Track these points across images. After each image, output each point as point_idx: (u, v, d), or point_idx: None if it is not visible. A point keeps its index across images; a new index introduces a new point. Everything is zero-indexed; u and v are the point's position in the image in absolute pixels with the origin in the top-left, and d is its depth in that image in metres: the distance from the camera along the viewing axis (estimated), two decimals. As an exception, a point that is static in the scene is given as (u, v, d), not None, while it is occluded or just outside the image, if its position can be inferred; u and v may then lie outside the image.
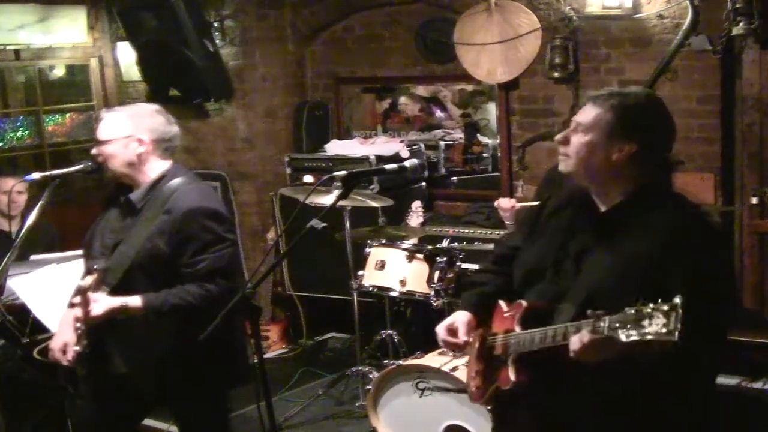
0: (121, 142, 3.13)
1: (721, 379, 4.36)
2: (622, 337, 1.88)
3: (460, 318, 2.57)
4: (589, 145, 2.30)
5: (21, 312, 3.95)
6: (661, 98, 2.43)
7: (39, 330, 3.90)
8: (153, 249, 3.02)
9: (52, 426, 4.44)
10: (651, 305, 1.87)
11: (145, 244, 3.03)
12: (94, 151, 3.20)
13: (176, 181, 3.14)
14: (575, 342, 2.06)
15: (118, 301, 2.98)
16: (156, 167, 3.17)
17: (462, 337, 2.52)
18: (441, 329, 2.58)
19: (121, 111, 3.26)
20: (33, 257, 4.29)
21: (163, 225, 3.03)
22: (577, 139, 2.32)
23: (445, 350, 3.67)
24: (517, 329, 2.35)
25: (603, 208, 2.35)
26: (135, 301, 2.99)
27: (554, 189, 3.89)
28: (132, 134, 3.13)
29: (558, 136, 2.39)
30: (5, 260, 3.36)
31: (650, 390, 2.21)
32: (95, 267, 3.03)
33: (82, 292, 2.96)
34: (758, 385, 4.26)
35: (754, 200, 4.88)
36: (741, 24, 4.59)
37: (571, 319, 2.20)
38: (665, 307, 1.85)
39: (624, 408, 2.24)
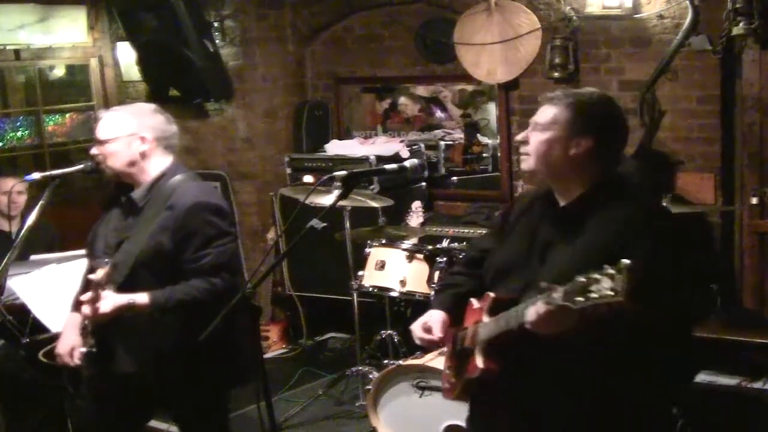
0: (124, 141, 3.14)
1: (721, 379, 4.37)
2: (573, 304, 1.98)
3: (434, 316, 2.64)
4: (548, 142, 2.41)
5: (21, 312, 3.95)
6: (613, 98, 2.58)
7: (39, 330, 3.90)
8: (157, 246, 3.03)
9: (52, 426, 4.44)
10: (599, 271, 1.96)
11: (148, 242, 3.04)
12: (94, 150, 3.20)
13: (177, 178, 3.15)
14: (531, 314, 2.15)
15: (125, 298, 2.98)
16: (157, 165, 3.18)
17: (437, 333, 2.59)
18: (416, 327, 2.64)
19: (122, 110, 3.27)
20: (33, 257, 4.29)
21: (165, 221, 3.04)
22: (536, 138, 2.43)
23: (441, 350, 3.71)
24: (485, 319, 2.43)
25: (563, 203, 2.46)
26: (141, 297, 2.99)
27: None
28: (134, 132, 3.14)
29: (518, 137, 2.51)
30: (5, 260, 3.36)
31: (615, 376, 2.30)
32: (106, 261, 3.03)
33: (94, 286, 2.96)
34: (758, 385, 4.26)
35: (754, 200, 4.89)
36: (741, 24, 4.60)
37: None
38: (611, 271, 1.94)
39: (590, 393, 2.32)
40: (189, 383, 3.10)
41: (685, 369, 2.54)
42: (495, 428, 2.57)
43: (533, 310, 2.14)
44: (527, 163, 2.47)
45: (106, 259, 3.05)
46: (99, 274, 2.97)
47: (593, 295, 1.95)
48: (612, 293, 1.92)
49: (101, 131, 3.19)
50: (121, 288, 3.02)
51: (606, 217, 2.33)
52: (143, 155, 3.15)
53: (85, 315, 3.03)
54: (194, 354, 2.93)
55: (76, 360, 3.11)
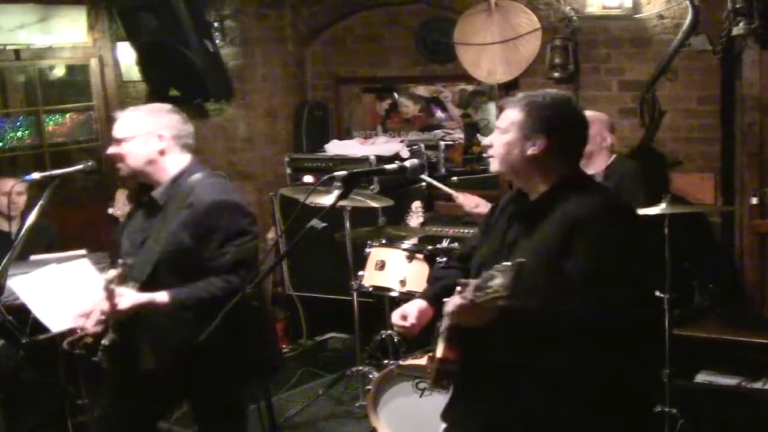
0: (142, 139, 3.15)
1: (721, 379, 4.38)
2: (475, 299, 2.12)
3: (414, 304, 2.71)
4: (507, 144, 2.51)
5: (21, 312, 3.95)
6: (571, 97, 2.68)
7: (39, 330, 3.90)
8: (178, 243, 3.06)
9: (52, 426, 4.44)
10: (496, 267, 2.09)
11: (170, 240, 3.07)
12: (111, 150, 3.21)
13: (196, 176, 3.18)
14: (449, 307, 2.32)
15: (145, 296, 3.01)
16: (175, 164, 3.20)
17: (410, 320, 2.66)
18: (395, 315, 2.71)
19: (138, 109, 3.28)
20: (33, 257, 4.29)
21: (186, 219, 3.07)
22: (498, 140, 2.53)
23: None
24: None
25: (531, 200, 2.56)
26: (161, 296, 3.02)
27: None
28: (152, 130, 3.16)
29: (484, 141, 2.67)
30: (5, 260, 3.36)
31: (560, 372, 2.36)
32: (120, 261, 3.07)
33: (107, 285, 2.98)
34: (758, 385, 4.27)
35: (754, 200, 4.89)
36: (741, 24, 4.60)
37: None
38: (501, 268, 2.08)
39: (540, 387, 2.39)
40: (210, 377, 3.11)
41: (645, 366, 2.57)
42: (461, 422, 2.63)
43: (450, 304, 2.29)
44: (493, 165, 2.59)
45: (121, 260, 3.09)
46: (111, 273, 3.00)
47: (489, 290, 2.08)
48: (500, 291, 2.04)
49: (118, 130, 3.20)
50: (144, 285, 3.05)
51: (561, 213, 2.41)
52: (161, 153, 3.17)
53: (103, 311, 3.05)
54: (217, 348, 2.92)
55: (90, 324, 3.11)
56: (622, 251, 2.35)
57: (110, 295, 2.97)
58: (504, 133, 2.52)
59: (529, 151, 2.48)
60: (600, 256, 2.32)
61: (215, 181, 3.21)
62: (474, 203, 4.60)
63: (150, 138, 3.15)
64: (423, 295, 2.76)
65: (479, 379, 2.49)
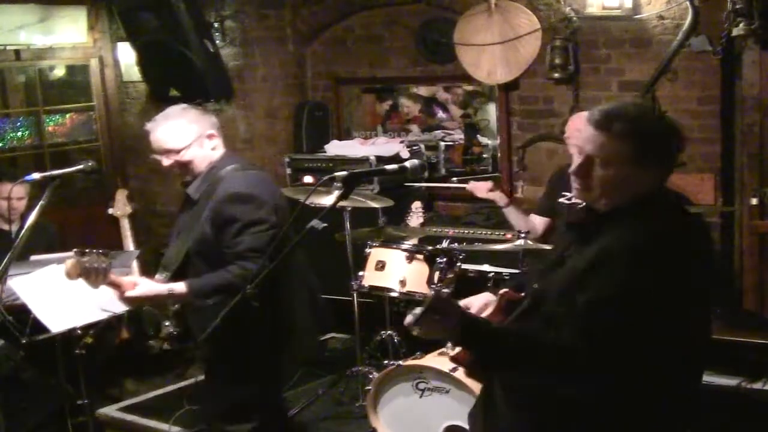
0: (196, 143, 3.31)
1: (721, 380, 4.37)
2: (409, 320, 2.13)
3: (479, 299, 2.67)
4: (613, 179, 2.22)
5: (21, 312, 3.95)
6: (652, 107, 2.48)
7: (39, 330, 3.90)
8: (203, 235, 3.25)
9: (52, 426, 4.44)
10: (424, 298, 2.13)
11: (197, 231, 3.25)
12: (166, 162, 3.34)
13: (227, 169, 3.33)
14: (407, 319, 2.19)
15: (163, 287, 3.19)
16: (212, 157, 3.37)
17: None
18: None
19: (176, 117, 3.36)
20: (33, 257, 4.29)
21: (209, 211, 3.24)
22: (598, 174, 2.23)
23: (446, 350, 3.71)
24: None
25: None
26: (179, 286, 3.18)
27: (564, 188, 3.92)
28: (201, 133, 3.32)
29: (573, 169, 2.30)
30: (5, 260, 3.36)
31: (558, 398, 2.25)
32: (161, 252, 3.33)
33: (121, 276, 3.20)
34: (758, 385, 4.26)
35: (754, 200, 4.89)
36: (741, 25, 4.60)
37: (522, 310, 2.40)
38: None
39: (538, 410, 2.31)
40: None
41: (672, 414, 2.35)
42: (476, 421, 2.63)
43: (408, 317, 2.19)
44: (586, 198, 2.31)
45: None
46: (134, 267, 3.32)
47: (409, 319, 2.11)
48: (411, 320, 2.10)
49: (167, 142, 3.31)
50: (175, 275, 3.25)
51: (601, 240, 2.21)
52: (214, 150, 3.36)
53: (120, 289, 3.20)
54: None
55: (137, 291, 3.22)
56: (632, 298, 2.11)
57: (116, 285, 3.14)
58: (606, 167, 2.20)
59: (637, 183, 2.21)
60: (608, 300, 2.11)
61: (241, 172, 3.34)
62: (485, 188, 4.64)
63: (203, 140, 3.33)
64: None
65: (490, 385, 2.49)
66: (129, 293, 3.15)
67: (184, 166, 3.34)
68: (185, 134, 3.30)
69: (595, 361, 2.11)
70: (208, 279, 3.18)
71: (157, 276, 3.33)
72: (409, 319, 2.15)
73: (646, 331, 2.12)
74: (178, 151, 3.30)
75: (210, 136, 3.34)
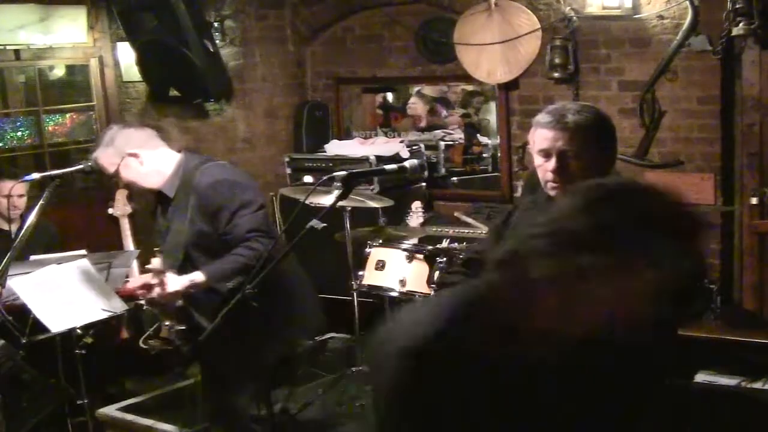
0: (123, 165, 3.45)
1: (721, 379, 4.37)
2: None
3: None
4: (588, 166, 2.43)
5: (21, 312, 3.95)
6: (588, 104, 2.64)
7: (39, 330, 3.90)
8: (197, 228, 3.35)
9: (52, 426, 4.44)
10: None
11: (189, 226, 3.35)
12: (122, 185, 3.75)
13: (193, 164, 3.45)
14: None
15: (186, 278, 3.32)
16: (165, 161, 3.49)
17: None
18: None
19: (103, 148, 3.51)
20: (33, 257, 4.29)
21: (195, 204, 3.35)
22: (575, 165, 2.44)
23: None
24: None
25: None
26: (198, 276, 3.31)
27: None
28: (122, 155, 3.45)
29: (552, 169, 2.47)
30: (5, 260, 3.36)
31: None
32: (155, 249, 3.39)
33: (156, 273, 3.29)
34: (758, 385, 4.26)
35: (754, 200, 4.89)
36: (741, 24, 4.60)
37: None
38: None
39: None
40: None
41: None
42: None
43: None
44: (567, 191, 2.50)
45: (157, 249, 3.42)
46: (155, 262, 3.32)
47: None
48: None
49: (106, 171, 3.51)
50: (180, 270, 3.36)
51: None
52: (161, 159, 3.50)
53: (155, 298, 3.34)
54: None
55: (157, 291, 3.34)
56: None
57: (161, 282, 3.27)
58: (578, 157, 2.44)
59: (602, 168, 2.44)
60: None
61: (212, 164, 3.48)
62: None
63: (128, 161, 3.45)
64: None
65: None
66: (170, 288, 3.28)
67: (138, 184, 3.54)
68: (110, 161, 3.47)
69: None
70: (223, 264, 3.30)
71: (155, 261, 3.40)
72: None
73: None
74: (110, 177, 3.53)
75: (134, 155, 3.46)
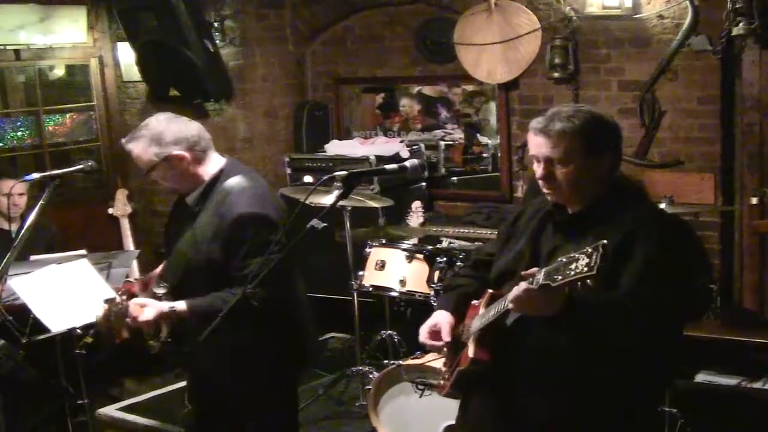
0: (162, 165, 3.10)
1: (721, 379, 4.37)
2: (552, 282, 2.09)
3: (444, 318, 2.65)
4: (575, 172, 2.41)
5: (21, 312, 3.95)
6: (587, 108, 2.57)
7: (39, 330, 3.90)
8: (209, 254, 3.04)
9: (52, 426, 4.44)
10: (579, 252, 2.05)
11: (201, 249, 3.05)
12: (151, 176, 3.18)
13: (231, 182, 3.11)
14: (513, 293, 2.23)
15: (166, 305, 3.01)
16: (207, 169, 3.15)
17: (445, 338, 2.61)
18: (424, 330, 2.66)
19: (141, 138, 3.18)
20: (33, 257, 4.29)
21: (216, 230, 3.03)
22: (561, 171, 2.41)
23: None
24: (481, 311, 2.49)
25: (573, 210, 2.49)
26: (181, 305, 3.01)
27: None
28: (167, 154, 3.09)
29: (539, 175, 2.46)
30: (5, 260, 3.36)
31: (593, 377, 2.34)
32: (159, 251, 3.25)
33: (118, 303, 3.07)
34: (758, 385, 4.27)
35: (754, 200, 4.89)
36: (741, 24, 4.60)
37: None
38: (589, 249, 2.03)
39: (567, 392, 2.37)
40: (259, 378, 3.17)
41: (670, 370, 2.58)
42: (480, 426, 2.59)
43: (515, 291, 2.22)
44: (555, 198, 2.48)
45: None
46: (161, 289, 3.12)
47: (571, 272, 2.04)
48: (587, 269, 2.00)
49: (138, 164, 3.17)
50: (176, 289, 3.09)
51: (612, 220, 2.38)
52: (201, 164, 3.14)
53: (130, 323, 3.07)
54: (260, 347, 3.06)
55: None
56: (681, 260, 2.34)
57: (127, 311, 3.02)
58: (565, 164, 2.40)
59: (598, 171, 2.42)
60: (662, 265, 2.28)
61: (249, 189, 3.11)
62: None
63: (172, 160, 3.10)
64: (445, 305, 2.70)
65: (508, 383, 2.46)
66: (142, 318, 2.99)
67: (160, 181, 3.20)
68: (148, 155, 3.12)
69: (667, 322, 2.34)
70: (212, 300, 2.99)
71: (155, 289, 3.18)
72: (514, 293, 2.20)
73: (687, 293, 2.36)
74: (146, 173, 3.16)
75: (180, 157, 3.09)
